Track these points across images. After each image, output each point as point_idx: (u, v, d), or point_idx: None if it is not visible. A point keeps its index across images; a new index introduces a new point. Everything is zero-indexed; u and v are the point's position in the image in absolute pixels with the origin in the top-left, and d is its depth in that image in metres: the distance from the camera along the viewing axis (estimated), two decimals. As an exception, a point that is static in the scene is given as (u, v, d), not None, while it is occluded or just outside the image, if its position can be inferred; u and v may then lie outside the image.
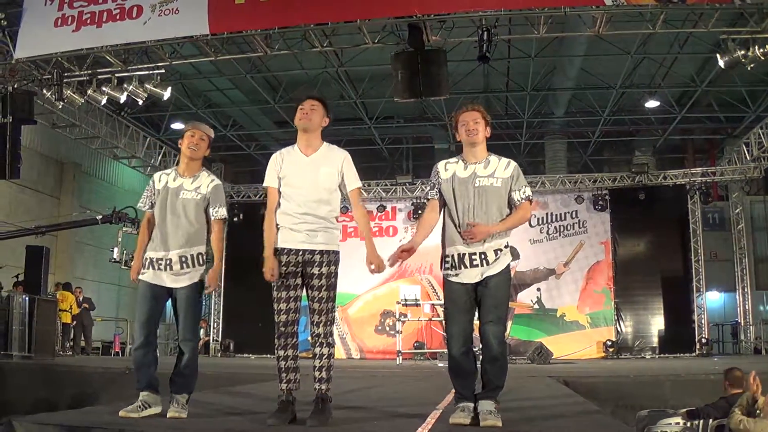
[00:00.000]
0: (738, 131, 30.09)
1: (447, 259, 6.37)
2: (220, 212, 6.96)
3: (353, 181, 6.68)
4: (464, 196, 6.33)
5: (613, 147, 33.83)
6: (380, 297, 28.11)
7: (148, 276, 6.80)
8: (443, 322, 6.92)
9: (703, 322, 28.03)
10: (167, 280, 6.80)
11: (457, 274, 6.28)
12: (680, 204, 28.95)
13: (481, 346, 6.31)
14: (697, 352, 27.02)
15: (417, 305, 24.80)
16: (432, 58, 16.39)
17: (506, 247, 6.32)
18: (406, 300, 24.21)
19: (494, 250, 6.24)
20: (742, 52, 16.51)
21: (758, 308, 29.68)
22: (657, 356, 27.30)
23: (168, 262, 6.79)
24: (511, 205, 6.39)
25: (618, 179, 28.70)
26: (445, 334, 6.88)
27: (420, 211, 27.20)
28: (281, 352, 6.36)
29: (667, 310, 28.61)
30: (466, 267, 6.24)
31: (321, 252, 6.36)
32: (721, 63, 17.20)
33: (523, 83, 27.14)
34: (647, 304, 28.83)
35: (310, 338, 6.53)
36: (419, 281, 27.95)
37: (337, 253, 6.50)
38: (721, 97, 28.57)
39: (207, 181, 7.04)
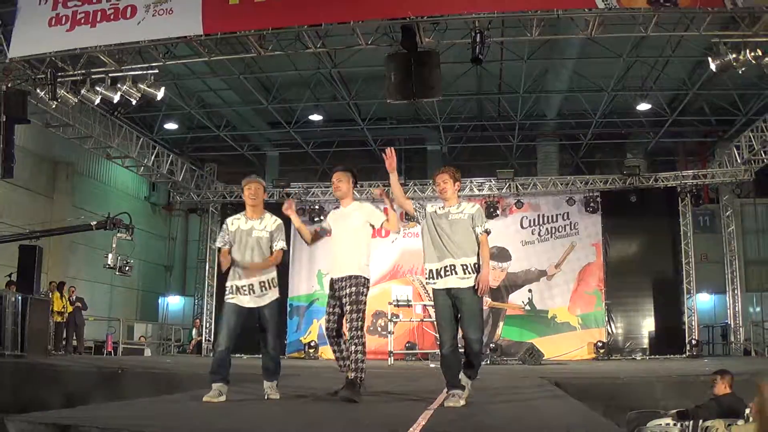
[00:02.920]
0: (729, 134, 30.22)
1: (426, 273, 8.39)
2: (279, 244, 8.92)
3: (381, 217, 9.07)
4: (440, 225, 8.29)
5: (605, 149, 33.92)
6: (372, 298, 27.86)
7: (234, 300, 8.69)
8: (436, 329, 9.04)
9: (693, 323, 28.11)
10: (250, 303, 8.72)
11: (435, 283, 8.23)
12: (671, 206, 29.09)
13: (464, 345, 8.19)
14: (688, 353, 27.05)
15: (409, 306, 24.81)
16: (425, 59, 16.41)
17: (475, 265, 8.15)
18: (398, 301, 24.23)
19: (461, 265, 8.12)
20: (734, 55, 16.62)
21: (748, 310, 29.83)
22: (647, 357, 27.36)
23: (251, 287, 8.70)
24: (476, 236, 8.28)
25: (609, 181, 28.74)
26: (437, 336, 9.16)
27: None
28: (332, 347, 9.09)
29: (657, 312, 28.70)
30: (441, 277, 8.16)
31: (348, 277, 8.60)
32: (712, 66, 17.33)
33: (515, 85, 27.20)
34: (638, 306, 28.91)
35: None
36: (411, 282, 27.99)
37: (359, 276, 8.65)
38: (712, 101, 28.78)
39: (271, 221, 9.03)
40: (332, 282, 8.83)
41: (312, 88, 27.51)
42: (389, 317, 23.51)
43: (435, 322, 9.23)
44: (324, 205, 29.34)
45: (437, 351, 9.37)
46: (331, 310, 8.87)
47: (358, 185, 9.65)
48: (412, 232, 28.41)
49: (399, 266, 28.61)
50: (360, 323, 8.53)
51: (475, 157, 33.18)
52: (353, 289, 8.56)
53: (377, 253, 27.91)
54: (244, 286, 8.68)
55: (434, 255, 8.22)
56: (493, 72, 25.94)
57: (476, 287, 8.00)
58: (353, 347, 8.44)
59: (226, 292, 8.78)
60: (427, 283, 8.49)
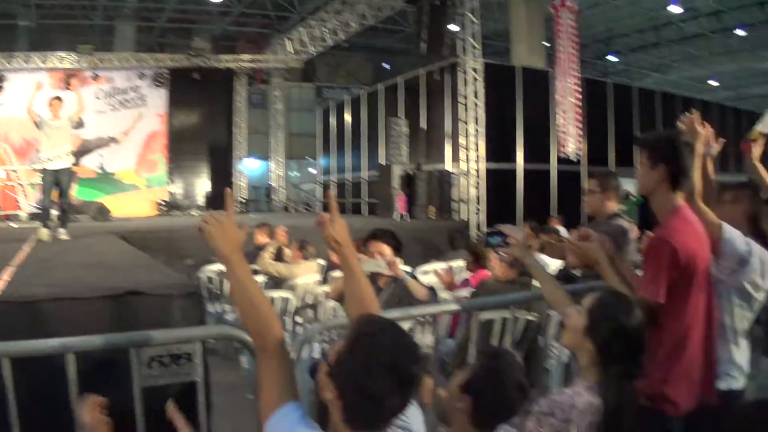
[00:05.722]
0: (285, 28, 31.30)
1: (44, 158, 10.82)
2: None
3: None
4: (51, 134, 10.83)
5: (178, 32, 33.78)
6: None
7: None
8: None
9: (242, 184, 29.39)
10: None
11: (51, 164, 10.74)
12: (229, 85, 29.93)
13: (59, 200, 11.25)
14: (239, 211, 28.24)
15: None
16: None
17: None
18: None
19: (68, 153, 11.02)
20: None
21: (289, 174, 31.65)
22: (204, 213, 28.06)
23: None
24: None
25: (177, 60, 28.81)
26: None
27: None
28: None
29: (213, 174, 29.87)
30: (51, 161, 10.76)
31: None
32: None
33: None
34: (195, 169, 29.79)
35: None
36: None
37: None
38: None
39: None
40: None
41: None
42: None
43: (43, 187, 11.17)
44: None
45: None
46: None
47: None
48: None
49: None
50: None
51: (60, 32, 31.67)
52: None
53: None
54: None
55: (49, 147, 10.76)
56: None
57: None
58: None
59: None
60: (46, 160, 10.84)
